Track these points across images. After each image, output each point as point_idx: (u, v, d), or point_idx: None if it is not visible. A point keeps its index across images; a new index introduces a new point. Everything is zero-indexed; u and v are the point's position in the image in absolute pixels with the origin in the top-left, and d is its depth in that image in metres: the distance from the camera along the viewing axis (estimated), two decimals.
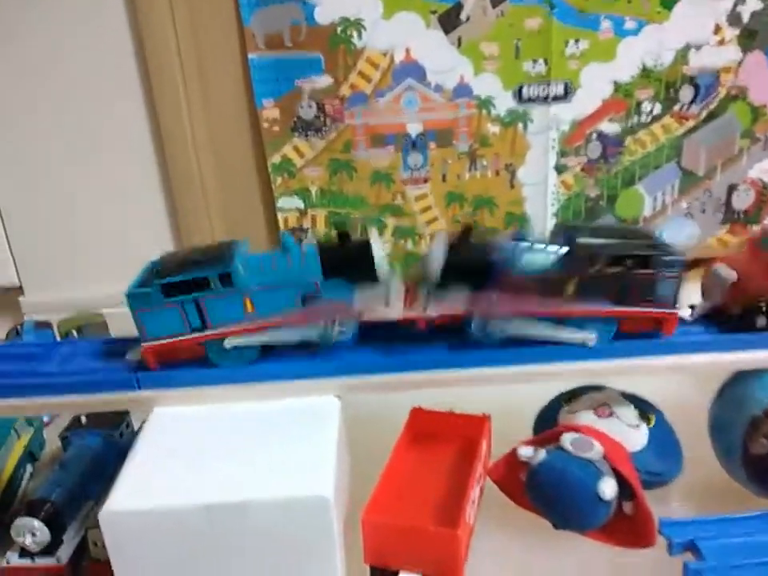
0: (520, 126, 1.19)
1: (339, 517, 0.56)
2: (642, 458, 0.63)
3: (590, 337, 0.63)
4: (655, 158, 1.25)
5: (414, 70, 1.14)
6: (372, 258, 0.61)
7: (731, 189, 1.28)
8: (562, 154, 1.22)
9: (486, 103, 1.17)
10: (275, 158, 1.15)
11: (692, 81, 1.20)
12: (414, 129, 1.17)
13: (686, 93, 1.21)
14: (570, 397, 0.69)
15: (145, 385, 0.63)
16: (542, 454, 0.59)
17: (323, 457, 0.55)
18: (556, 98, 1.18)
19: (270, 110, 1.13)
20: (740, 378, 0.68)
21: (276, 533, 0.52)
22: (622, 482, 0.59)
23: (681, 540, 0.59)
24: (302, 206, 1.19)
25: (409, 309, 0.63)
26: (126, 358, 0.65)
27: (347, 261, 0.62)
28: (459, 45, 1.13)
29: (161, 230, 1.18)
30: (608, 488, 0.56)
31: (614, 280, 0.61)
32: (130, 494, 0.53)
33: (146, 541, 0.53)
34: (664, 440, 0.67)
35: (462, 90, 1.16)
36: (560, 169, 1.23)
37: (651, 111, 1.21)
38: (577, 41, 1.15)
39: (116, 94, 1.11)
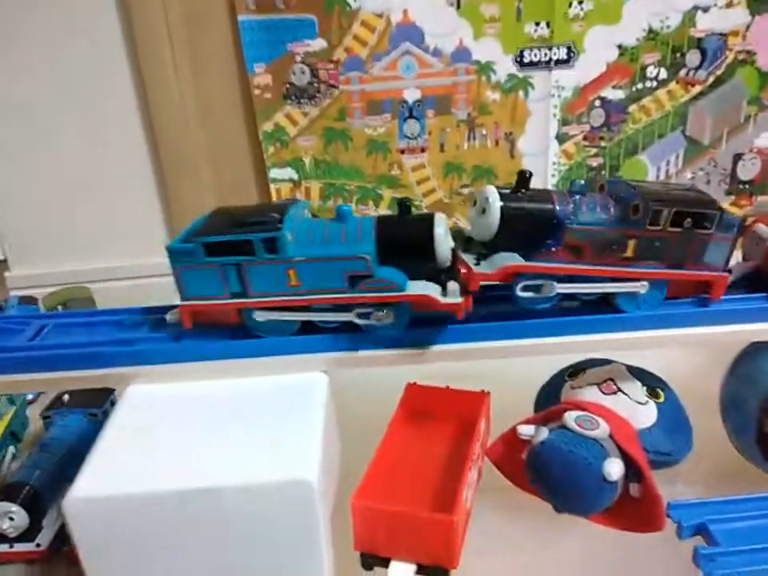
0: (521, 93, 1.11)
1: (326, 501, 0.50)
2: (650, 436, 0.57)
3: (642, 284, 0.56)
4: (660, 126, 1.17)
5: (411, 32, 1.06)
6: (432, 237, 0.53)
7: (737, 158, 1.21)
8: (564, 122, 1.14)
9: (485, 68, 1.09)
10: (267, 127, 1.08)
11: (699, 44, 1.11)
12: (411, 95, 1.09)
13: (693, 57, 1.13)
14: (574, 372, 0.63)
15: (117, 361, 0.56)
16: (544, 432, 0.53)
17: (308, 437, 0.49)
18: (558, 63, 1.10)
19: (261, 76, 1.05)
20: (752, 352, 0.62)
21: (255, 520, 0.46)
22: (628, 462, 0.53)
23: (690, 523, 0.54)
24: (295, 176, 1.11)
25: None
26: (165, 318, 0.58)
27: (406, 238, 0.54)
28: (458, 6, 1.05)
29: (149, 203, 1.11)
30: (614, 469, 0.51)
31: (674, 240, 0.55)
32: (97, 480, 0.47)
33: (115, 529, 0.47)
34: (673, 417, 0.60)
35: (461, 54, 1.08)
36: (561, 138, 1.15)
37: (657, 76, 1.13)
38: (581, 2, 1.07)
39: (101, 62, 1.04)
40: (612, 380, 0.60)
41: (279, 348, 0.56)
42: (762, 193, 1.22)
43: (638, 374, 0.62)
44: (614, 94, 1.14)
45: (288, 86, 1.06)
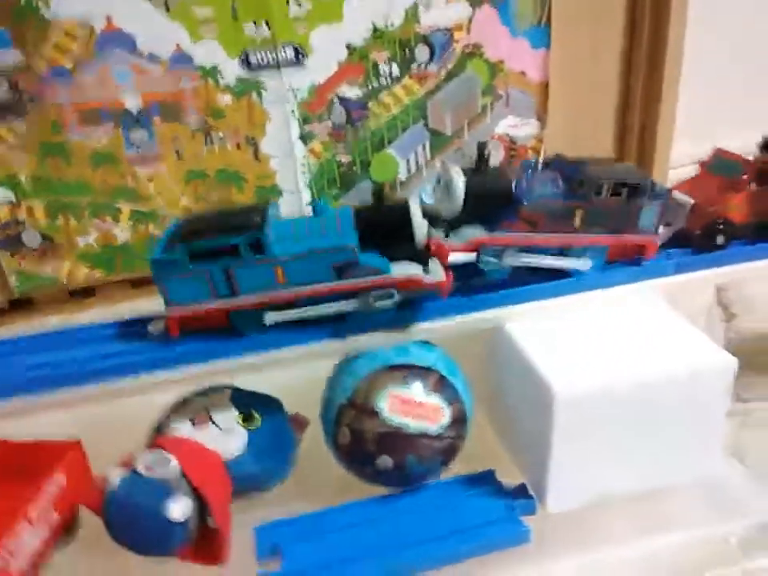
0: (254, 95, 1.02)
1: None
2: (238, 464, 0.53)
3: (587, 263, 0.60)
4: (402, 120, 1.12)
5: (120, 39, 0.94)
6: (410, 220, 0.53)
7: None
8: (305, 121, 1.07)
9: (210, 72, 0.99)
10: None
11: (426, 40, 1.07)
12: (132, 104, 0.98)
13: (422, 52, 1.08)
14: (180, 405, 0.56)
15: None
16: (116, 479, 0.46)
17: None
18: (287, 64, 1.02)
19: None
20: (339, 363, 0.58)
21: None
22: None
23: (267, 546, 0.48)
24: (12, 197, 0.97)
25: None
26: (148, 329, 0.54)
27: (384, 224, 0.54)
28: (168, 9, 0.94)
29: None
30: (177, 508, 0.45)
31: (614, 209, 0.59)
32: None
33: None
34: (268, 442, 0.55)
35: (181, 58, 0.97)
36: (306, 137, 1.08)
37: (390, 73, 1.08)
38: (299, 2, 0.98)
39: None
40: (206, 410, 0.54)
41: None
42: None
43: (241, 399, 0.57)
44: (351, 92, 1.08)
45: None
